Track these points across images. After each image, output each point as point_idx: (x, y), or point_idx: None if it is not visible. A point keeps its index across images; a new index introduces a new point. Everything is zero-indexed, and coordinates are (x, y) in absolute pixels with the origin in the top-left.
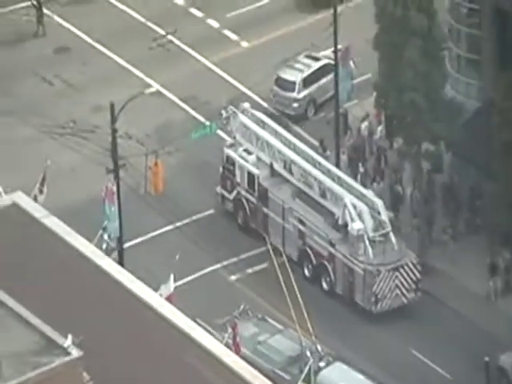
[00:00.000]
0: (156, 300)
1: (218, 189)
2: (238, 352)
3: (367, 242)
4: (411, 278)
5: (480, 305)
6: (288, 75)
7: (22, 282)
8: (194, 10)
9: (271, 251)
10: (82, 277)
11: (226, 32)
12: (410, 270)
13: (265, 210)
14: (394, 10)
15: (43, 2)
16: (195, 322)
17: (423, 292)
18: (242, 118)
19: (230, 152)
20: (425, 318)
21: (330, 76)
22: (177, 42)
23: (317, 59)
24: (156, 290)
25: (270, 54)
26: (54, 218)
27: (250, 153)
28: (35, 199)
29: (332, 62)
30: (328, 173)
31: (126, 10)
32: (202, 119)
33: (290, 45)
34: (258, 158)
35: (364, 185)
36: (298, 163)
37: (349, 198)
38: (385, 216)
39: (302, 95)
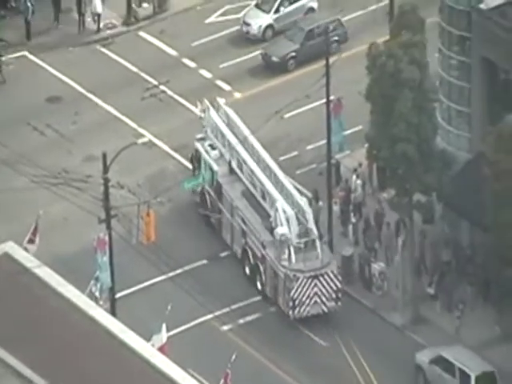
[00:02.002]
0: (148, 350)
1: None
2: None
3: (291, 248)
4: (331, 288)
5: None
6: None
7: (13, 333)
8: (186, 61)
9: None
10: (74, 327)
11: (219, 82)
12: (331, 279)
13: (220, 205)
14: (386, 62)
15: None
16: (187, 372)
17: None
18: (213, 113)
19: (198, 145)
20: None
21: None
22: (169, 92)
23: None
24: (148, 340)
25: (263, 105)
26: (46, 268)
27: (214, 148)
28: (27, 250)
29: None
30: (272, 176)
31: (118, 59)
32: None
33: (283, 96)
34: (221, 155)
35: (356, 236)
36: (248, 163)
37: (281, 203)
38: (312, 224)
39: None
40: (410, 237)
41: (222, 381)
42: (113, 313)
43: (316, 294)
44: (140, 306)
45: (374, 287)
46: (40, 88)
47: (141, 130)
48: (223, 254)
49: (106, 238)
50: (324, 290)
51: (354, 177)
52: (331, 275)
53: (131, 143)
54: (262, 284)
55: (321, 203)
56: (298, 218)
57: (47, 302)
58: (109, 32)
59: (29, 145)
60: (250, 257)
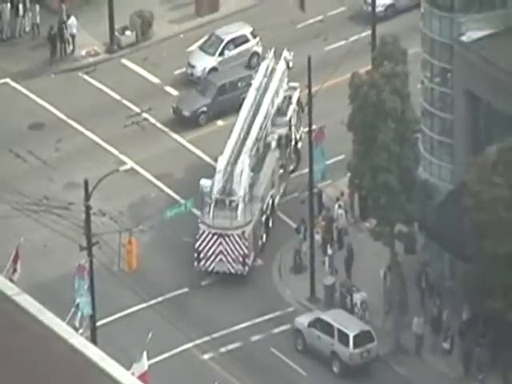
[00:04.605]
0: (128, 378)
1: None
2: None
3: (209, 200)
4: (237, 250)
5: None
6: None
7: None
8: (169, 88)
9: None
10: (54, 355)
11: None
12: (237, 242)
13: None
14: (368, 92)
15: None
16: None
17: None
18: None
19: None
20: None
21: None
22: (152, 119)
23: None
24: (129, 368)
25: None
26: (27, 295)
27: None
28: (8, 278)
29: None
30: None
31: (100, 86)
32: (176, 197)
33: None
34: None
35: (331, 267)
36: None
37: (223, 157)
38: (237, 186)
39: None
40: (392, 267)
41: None
42: (93, 341)
43: (221, 252)
44: (121, 334)
45: (356, 317)
46: (22, 115)
47: (123, 158)
48: (204, 283)
49: (87, 265)
50: (230, 251)
51: (336, 206)
52: (237, 238)
53: (113, 170)
54: None
55: (301, 236)
56: (229, 176)
57: (27, 330)
58: (91, 59)
59: (11, 171)
60: None
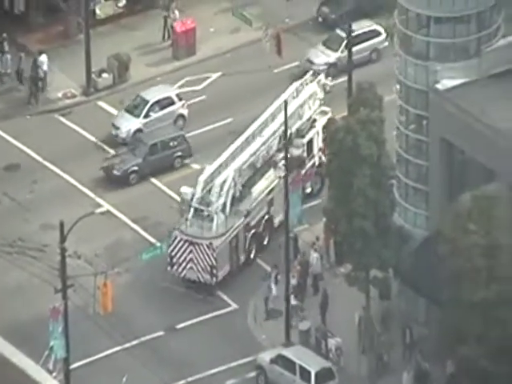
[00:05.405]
0: None
1: None
2: None
3: (188, 207)
4: (206, 261)
5: None
6: None
7: None
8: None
9: None
10: None
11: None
12: (206, 252)
13: None
14: (344, 137)
15: None
16: None
17: None
18: None
19: None
20: None
21: None
22: None
23: None
24: None
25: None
26: (0, 337)
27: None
28: None
29: None
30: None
31: (77, 129)
32: (152, 240)
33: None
34: None
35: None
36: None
37: (210, 166)
38: (215, 198)
39: None
40: (366, 312)
41: None
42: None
43: (191, 260)
44: (95, 378)
45: (331, 362)
46: None
47: (99, 200)
48: (179, 326)
49: (61, 308)
50: (199, 260)
51: (312, 251)
52: (206, 248)
53: (89, 213)
54: None
55: (279, 277)
56: (209, 186)
57: (1, 373)
58: (68, 101)
59: None
60: None
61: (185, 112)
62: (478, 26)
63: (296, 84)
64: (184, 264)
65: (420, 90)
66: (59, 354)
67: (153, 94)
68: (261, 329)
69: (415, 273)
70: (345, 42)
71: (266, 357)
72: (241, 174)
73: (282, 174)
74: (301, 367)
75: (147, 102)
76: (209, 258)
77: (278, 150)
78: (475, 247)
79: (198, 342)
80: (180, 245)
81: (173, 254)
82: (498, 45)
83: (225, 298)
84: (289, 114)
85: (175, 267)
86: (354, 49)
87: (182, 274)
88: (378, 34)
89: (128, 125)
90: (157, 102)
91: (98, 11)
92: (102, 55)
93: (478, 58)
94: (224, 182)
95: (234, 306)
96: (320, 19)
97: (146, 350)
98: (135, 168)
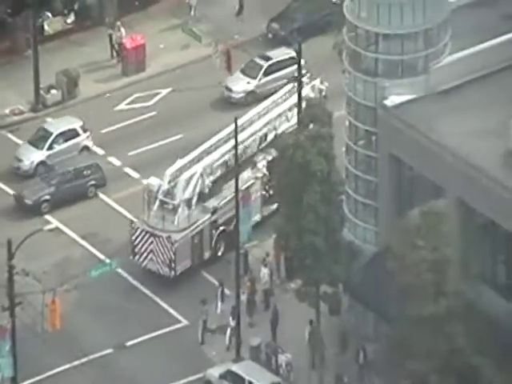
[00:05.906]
0: None
1: None
2: None
3: (154, 199)
4: (165, 253)
5: None
6: None
7: None
8: (95, 148)
9: None
10: None
11: (128, 170)
12: (165, 245)
13: None
14: (294, 153)
15: None
16: None
17: None
18: None
19: None
20: None
21: None
22: None
23: None
24: None
25: None
26: None
27: None
28: None
29: None
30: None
31: None
32: (101, 256)
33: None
34: None
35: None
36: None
37: (180, 161)
38: (179, 192)
39: None
40: (314, 327)
41: None
42: None
43: (152, 251)
44: None
45: (281, 378)
46: None
47: (47, 217)
48: (129, 343)
49: (9, 326)
50: (159, 252)
51: (262, 266)
52: (165, 241)
53: (37, 230)
54: None
55: (227, 291)
56: (176, 180)
57: None
58: (16, 118)
59: None
60: None
61: (89, 144)
62: (425, 44)
63: (288, 86)
64: (145, 254)
65: (369, 106)
66: (6, 373)
67: (57, 126)
68: (211, 345)
69: (365, 288)
70: (263, 69)
71: (215, 372)
72: (212, 172)
73: (260, 175)
74: (250, 383)
75: (51, 133)
76: (168, 251)
77: (259, 151)
78: (423, 262)
79: (148, 359)
80: (142, 235)
81: (135, 243)
82: (446, 62)
83: (175, 314)
84: (275, 115)
85: (137, 257)
86: (271, 76)
87: (144, 264)
88: (296, 62)
89: (31, 157)
90: (61, 134)
91: (46, 27)
92: (50, 71)
93: (425, 75)
94: (191, 177)
95: (185, 322)
96: (270, 35)
97: (95, 368)
98: (47, 197)
